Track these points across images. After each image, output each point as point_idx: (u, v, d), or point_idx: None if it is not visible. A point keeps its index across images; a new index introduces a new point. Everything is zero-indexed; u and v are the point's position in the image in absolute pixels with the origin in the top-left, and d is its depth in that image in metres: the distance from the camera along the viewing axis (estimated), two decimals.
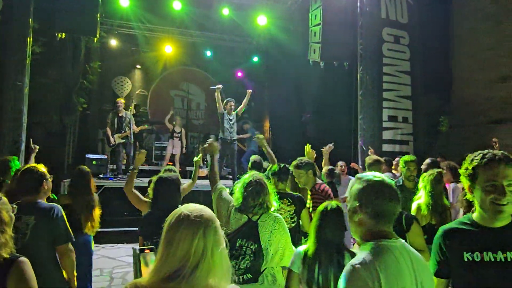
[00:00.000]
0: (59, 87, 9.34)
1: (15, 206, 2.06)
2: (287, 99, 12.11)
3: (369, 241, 1.50)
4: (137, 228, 3.27)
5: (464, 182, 1.80)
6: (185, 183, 4.44)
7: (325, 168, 5.75)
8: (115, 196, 7.05)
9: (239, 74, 13.96)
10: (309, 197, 3.99)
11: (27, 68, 6.46)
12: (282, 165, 3.91)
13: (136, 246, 2.46)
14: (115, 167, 9.04)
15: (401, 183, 4.38)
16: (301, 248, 2.35)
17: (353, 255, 2.29)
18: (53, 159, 5.39)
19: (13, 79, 6.33)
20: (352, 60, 8.78)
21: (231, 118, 7.91)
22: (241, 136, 9.89)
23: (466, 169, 1.78)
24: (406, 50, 8.72)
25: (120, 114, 8.62)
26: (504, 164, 1.67)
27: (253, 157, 4.90)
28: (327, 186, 4.09)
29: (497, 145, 5.87)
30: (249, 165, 4.78)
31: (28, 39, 6.51)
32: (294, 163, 4.01)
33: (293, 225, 3.58)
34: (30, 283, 1.86)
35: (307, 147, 4.77)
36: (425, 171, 4.31)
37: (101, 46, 11.41)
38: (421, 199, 3.63)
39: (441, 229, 1.86)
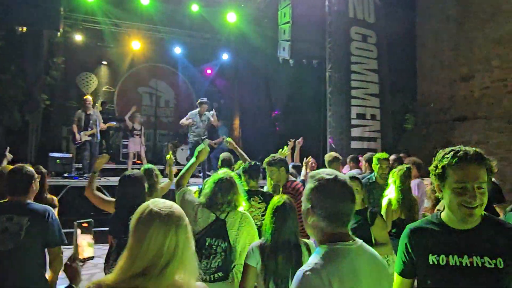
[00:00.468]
0: (20, 83, 8.94)
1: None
2: (257, 96, 12.14)
3: (323, 244, 1.43)
4: (104, 228, 3.19)
5: (433, 180, 1.70)
6: (163, 182, 4.37)
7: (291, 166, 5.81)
8: (80, 196, 6.82)
9: (209, 71, 13.85)
10: (280, 194, 3.99)
11: None
12: (252, 162, 3.90)
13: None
14: (80, 165, 8.79)
15: (374, 180, 4.47)
16: (258, 243, 2.36)
17: (308, 247, 2.36)
18: (14, 158, 5.17)
19: None
20: (321, 58, 8.90)
21: (203, 118, 8.15)
22: (214, 141, 9.91)
23: (436, 167, 1.66)
24: (373, 49, 8.91)
25: (88, 112, 8.41)
26: (476, 164, 1.55)
27: (223, 155, 4.89)
28: (300, 184, 4.10)
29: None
30: (219, 162, 4.76)
31: None
32: (266, 160, 4.01)
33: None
34: None
35: (285, 150, 4.88)
36: (390, 167, 4.44)
37: (65, 41, 11.03)
38: (391, 194, 3.72)
39: (408, 228, 1.77)
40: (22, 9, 6.61)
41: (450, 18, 8.97)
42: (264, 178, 4.10)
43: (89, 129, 8.35)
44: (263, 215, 3.62)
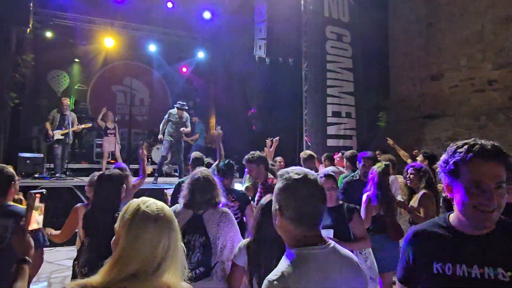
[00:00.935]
0: None
1: None
2: (233, 94, 12.13)
3: (292, 248, 1.35)
4: (76, 230, 3.14)
5: (442, 178, 1.45)
6: (135, 179, 4.30)
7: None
8: (52, 197, 6.66)
9: (184, 69, 13.73)
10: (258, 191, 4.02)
11: None
12: (226, 161, 3.92)
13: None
14: (52, 165, 8.55)
15: (357, 178, 4.55)
16: (245, 242, 2.38)
17: None
18: None
19: None
20: (297, 57, 8.99)
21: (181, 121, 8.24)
22: (190, 138, 10.01)
23: (446, 162, 1.40)
24: (348, 48, 9.07)
25: (64, 113, 8.27)
26: (495, 160, 1.30)
27: (194, 154, 4.90)
28: None
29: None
30: (190, 161, 4.76)
31: None
32: (246, 157, 4.03)
33: (237, 221, 3.60)
34: None
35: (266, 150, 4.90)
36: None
37: (34, 37, 10.66)
38: (370, 190, 3.80)
39: (412, 231, 1.54)
40: None
41: (419, 18, 9.24)
42: (240, 176, 4.12)
43: (63, 128, 8.17)
44: (235, 214, 3.65)
